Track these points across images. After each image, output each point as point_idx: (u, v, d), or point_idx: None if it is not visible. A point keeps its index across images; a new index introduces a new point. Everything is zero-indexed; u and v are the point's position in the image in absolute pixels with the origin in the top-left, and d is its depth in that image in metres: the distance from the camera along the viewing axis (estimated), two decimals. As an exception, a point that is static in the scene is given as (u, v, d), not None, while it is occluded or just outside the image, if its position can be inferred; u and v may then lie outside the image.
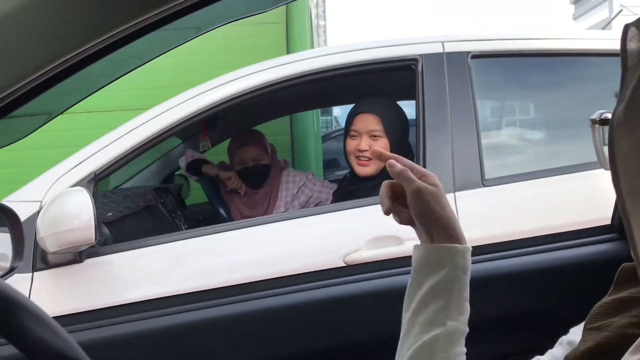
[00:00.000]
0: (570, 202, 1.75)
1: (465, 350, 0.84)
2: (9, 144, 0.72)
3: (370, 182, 2.05)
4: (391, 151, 2.00)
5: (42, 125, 0.72)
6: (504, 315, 1.63)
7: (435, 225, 0.87)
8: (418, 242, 0.92)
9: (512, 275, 1.66)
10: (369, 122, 2.06)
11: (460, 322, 0.84)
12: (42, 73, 0.62)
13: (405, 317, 0.87)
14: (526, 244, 1.69)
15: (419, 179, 0.89)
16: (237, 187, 2.75)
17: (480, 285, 1.43)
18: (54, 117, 0.73)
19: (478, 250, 1.64)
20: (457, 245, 0.87)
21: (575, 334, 0.79)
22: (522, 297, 1.66)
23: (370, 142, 2.05)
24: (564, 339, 0.82)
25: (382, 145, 2.03)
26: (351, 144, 2.10)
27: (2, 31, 0.59)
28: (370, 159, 2.04)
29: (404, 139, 2.07)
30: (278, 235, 1.76)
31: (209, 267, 1.70)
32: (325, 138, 7.67)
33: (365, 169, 2.07)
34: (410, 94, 1.95)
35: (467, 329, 0.85)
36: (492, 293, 1.62)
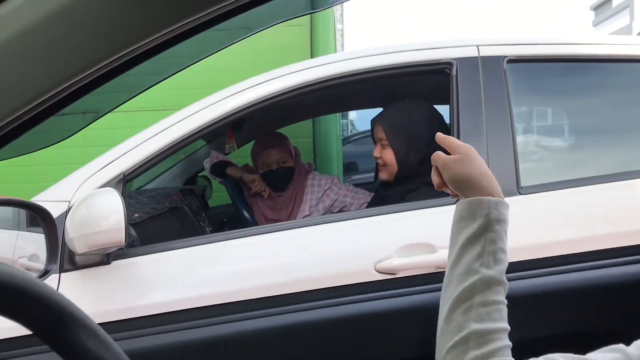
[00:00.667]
0: (614, 211, 1.70)
1: (505, 302, 0.88)
2: (58, 142, 0.70)
3: (399, 189, 2.02)
4: (397, 161, 2.03)
5: (90, 123, 0.69)
6: (561, 333, 1.60)
7: (466, 186, 0.98)
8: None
9: (572, 291, 1.63)
10: (378, 131, 2.13)
11: (496, 271, 0.88)
12: (95, 70, 0.60)
13: (446, 272, 0.93)
14: (583, 259, 1.65)
15: (453, 152, 1.03)
16: (261, 190, 2.73)
17: (536, 302, 1.38)
18: (102, 116, 0.70)
19: (524, 265, 1.64)
20: (486, 197, 0.94)
21: None
22: (580, 314, 1.63)
23: (381, 150, 2.12)
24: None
25: (389, 154, 2.08)
26: (375, 149, 2.16)
27: (54, 26, 0.56)
28: (383, 165, 2.11)
29: (414, 148, 2.04)
30: (304, 241, 1.74)
31: (235, 273, 1.68)
32: (345, 141, 7.66)
33: (381, 175, 2.15)
34: (444, 99, 1.93)
35: (506, 282, 0.89)
36: (549, 310, 1.59)
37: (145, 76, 0.67)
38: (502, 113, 1.80)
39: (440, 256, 1.65)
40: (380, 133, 2.10)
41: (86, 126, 0.69)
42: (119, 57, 0.59)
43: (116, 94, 0.68)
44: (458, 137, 1.78)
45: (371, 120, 2.19)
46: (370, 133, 2.23)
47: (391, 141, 2.07)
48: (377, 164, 2.17)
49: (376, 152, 2.12)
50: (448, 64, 1.87)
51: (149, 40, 0.60)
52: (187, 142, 1.81)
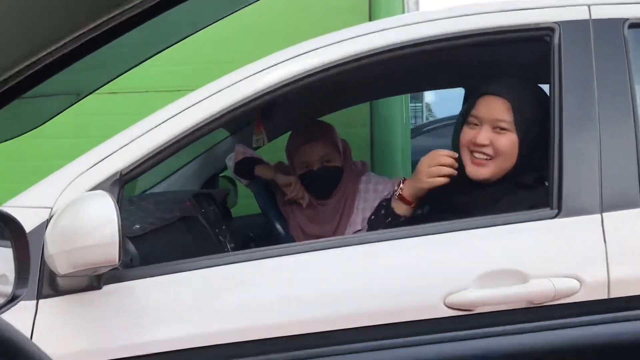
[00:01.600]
0: None
1: None
2: (29, 130, 0.72)
3: (486, 192, 2.00)
4: (520, 152, 1.99)
5: (70, 106, 0.71)
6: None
7: None
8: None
9: None
10: (496, 108, 2.01)
11: None
12: (65, 43, 0.61)
13: None
14: None
15: None
16: (298, 197, 2.74)
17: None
18: (84, 97, 0.72)
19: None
20: None
21: None
22: None
23: (492, 136, 2.01)
24: None
25: (507, 141, 1.99)
26: (467, 133, 2.07)
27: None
28: (490, 157, 2.01)
29: (540, 136, 2.02)
30: (354, 264, 1.74)
31: (264, 303, 1.70)
32: (415, 132, 7.62)
33: (481, 171, 2.03)
34: (541, 75, 1.91)
35: None
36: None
37: (135, 47, 0.68)
38: (621, 94, 1.78)
39: (533, 287, 1.64)
40: (500, 112, 2.01)
41: (63, 110, 0.71)
42: (107, 20, 0.60)
43: (98, 72, 0.69)
44: (560, 128, 1.77)
45: (479, 92, 2.09)
46: (462, 116, 2.21)
47: (520, 125, 2.00)
48: (470, 153, 2.06)
49: (483, 137, 2.01)
50: (548, 29, 1.85)
51: (131, 5, 0.61)
52: (203, 132, 1.83)
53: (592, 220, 1.69)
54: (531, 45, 1.98)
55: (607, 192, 1.71)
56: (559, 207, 1.71)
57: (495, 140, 2.00)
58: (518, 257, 1.69)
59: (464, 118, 2.13)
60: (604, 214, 1.69)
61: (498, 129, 2.00)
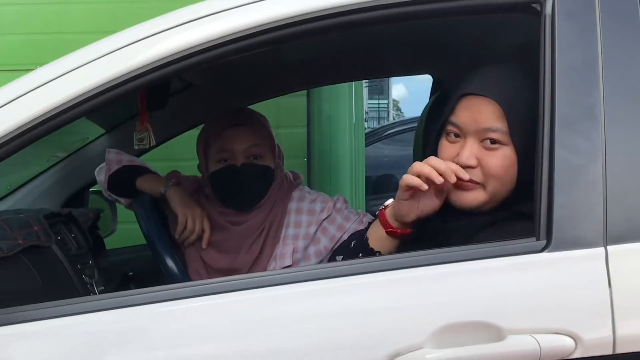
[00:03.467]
0: None
1: None
2: None
3: (470, 219, 2.03)
4: (520, 168, 2.00)
5: None
6: None
7: None
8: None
9: None
10: (482, 113, 2.01)
11: None
12: None
13: None
14: None
15: None
16: (197, 232, 2.74)
17: None
18: None
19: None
20: None
21: None
22: None
23: (480, 153, 2.00)
24: None
25: (501, 160, 1.99)
26: (447, 149, 2.06)
27: None
28: (477, 183, 2.00)
29: (533, 149, 2.04)
30: (276, 311, 1.76)
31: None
32: (373, 137, 7.68)
33: (468, 197, 2.01)
34: (528, 57, 1.95)
35: None
36: None
37: None
38: (635, 85, 1.81)
39: (510, 347, 1.65)
40: (487, 118, 2.01)
41: None
42: None
43: None
44: (550, 129, 1.78)
45: (458, 92, 2.08)
46: (429, 120, 2.19)
47: (517, 134, 1.99)
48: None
49: (467, 156, 2.00)
50: (538, -5, 1.87)
51: None
52: (56, 123, 1.82)
53: (592, 256, 1.71)
54: (512, 17, 2.01)
55: (614, 218, 1.73)
56: (548, 237, 1.73)
57: (484, 159, 1.99)
58: (490, 305, 1.70)
59: (440, 126, 2.11)
60: (608, 248, 1.71)
61: (488, 142, 2.00)
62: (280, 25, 1.88)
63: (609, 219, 1.73)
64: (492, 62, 2.15)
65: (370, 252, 2.12)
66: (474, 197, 2.02)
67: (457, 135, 2.04)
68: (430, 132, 2.74)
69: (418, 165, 1.97)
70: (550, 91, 1.81)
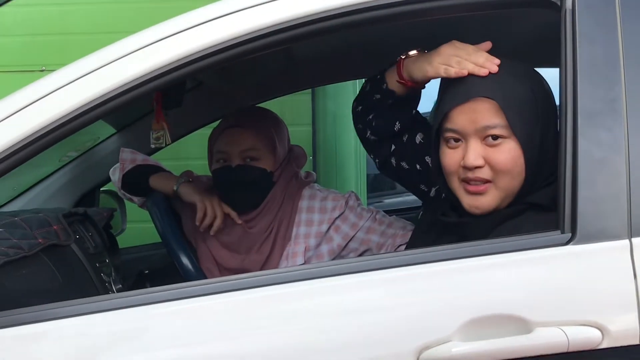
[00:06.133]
0: None
1: None
2: None
3: (484, 218, 2.02)
4: (528, 162, 1.99)
5: None
6: None
7: None
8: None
9: None
10: (479, 112, 2.00)
11: None
12: None
13: None
14: None
15: None
16: (212, 217, 2.72)
17: None
18: None
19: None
20: None
21: None
22: None
23: (484, 151, 1.99)
24: None
25: (507, 153, 1.98)
26: (450, 155, 2.04)
27: None
28: (488, 181, 1.99)
29: (547, 133, 2.03)
30: (291, 309, 1.75)
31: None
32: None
33: (481, 200, 2.00)
34: (548, 56, 1.98)
35: None
36: None
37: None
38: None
39: (538, 339, 1.66)
40: (484, 115, 2.00)
41: None
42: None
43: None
44: (573, 124, 1.78)
45: (442, 102, 2.07)
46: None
47: (517, 125, 1.98)
48: (461, 181, 2.03)
49: (473, 156, 1.99)
50: (559, -9, 1.87)
51: None
52: (75, 125, 1.82)
53: (617, 248, 1.71)
54: (531, 13, 2.02)
55: (638, 210, 1.73)
56: (573, 230, 1.72)
57: (491, 155, 1.98)
58: (517, 298, 1.70)
59: (435, 135, 2.12)
60: (633, 240, 1.71)
61: (489, 139, 1.99)
62: (290, 26, 1.88)
63: (633, 211, 1.72)
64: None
65: (389, 93, 2.28)
66: (488, 199, 2.01)
67: (456, 140, 2.03)
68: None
69: (477, 55, 2.05)
70: (573, 86, 1.80)
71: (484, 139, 1.99)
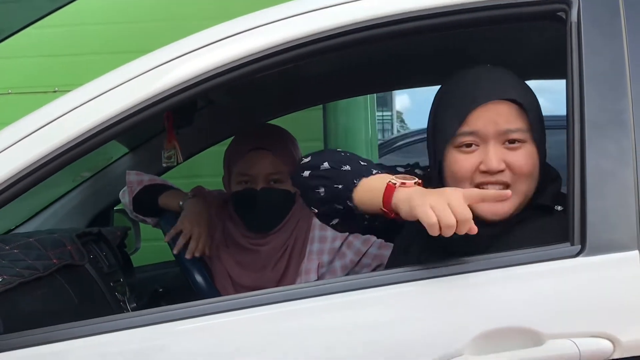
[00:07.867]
0: None
1: None
2: None
3: (493, 229, 1.98)
4: (540, 165, 1.97)
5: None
6: None
7: None
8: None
9: None
10: (501, 114, 1.96)
11: None
12: None
13: None
14: None
15: None
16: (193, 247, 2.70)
17: None
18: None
19: None
20: None
21: None
22: None
23: (504, 154, 1.94)
24: None
25: (527, 157, 1.94)
26: (463, 161, 1.98)
27: None
28: (508, 185, 1.93)
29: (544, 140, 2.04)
30: (304, 324, 1.76)
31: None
32: (383, 148, 7.65)
33: (500, 206, 1.92)
34: (551, 69, 1.99)
35: None
36: None
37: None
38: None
39: (549, 351, 1.65)
40: (506, 118, 1.95)
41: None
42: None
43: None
44: (581, 135, 1.79)
45: (457, 106, 2.00)
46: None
47: (536, 130, 1.97)
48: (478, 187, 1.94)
49: (496, 160, 1.92)
50: (564, 2, 1.87)
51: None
52: (88, 147, 1.83)
53: (626, 259, 1.71)
54: (536, 25, 2.02)
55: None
56: (582, 242, 1.72)
57: (511, 159, 1.94)
58: (528, 311, 1.70)
59: (443, 139, 2.03)
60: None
61: (507, 143, 1.95)
62: (301, 44, 1.89)
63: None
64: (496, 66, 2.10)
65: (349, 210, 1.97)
66: (508, 204, 1.92)
67: (469, 145, 1.97)
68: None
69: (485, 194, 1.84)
70: (580, 97, 1.81)
71: (502, 142, 1.95)
